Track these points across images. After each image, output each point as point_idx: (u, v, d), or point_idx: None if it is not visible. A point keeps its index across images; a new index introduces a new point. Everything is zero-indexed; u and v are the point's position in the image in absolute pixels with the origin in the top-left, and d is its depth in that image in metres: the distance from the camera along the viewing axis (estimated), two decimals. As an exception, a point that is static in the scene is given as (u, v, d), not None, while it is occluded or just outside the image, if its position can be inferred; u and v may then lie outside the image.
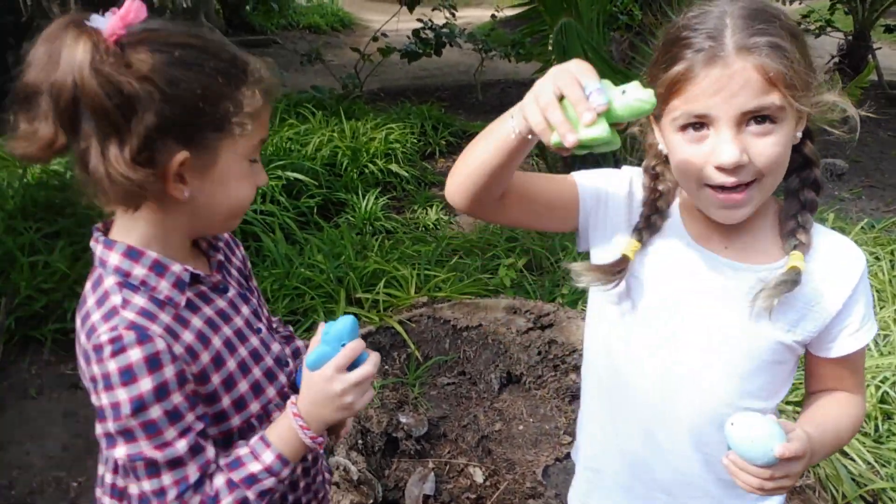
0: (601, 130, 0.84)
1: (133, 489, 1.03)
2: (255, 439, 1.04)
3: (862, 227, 3.89)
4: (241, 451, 1.03)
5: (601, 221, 1.17)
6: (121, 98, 0.86)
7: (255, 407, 1.09)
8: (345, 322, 1.04)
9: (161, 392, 0.93)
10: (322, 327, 1.07)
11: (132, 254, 0.97)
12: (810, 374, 1.18)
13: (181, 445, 0.96)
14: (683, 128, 1.01)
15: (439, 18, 7.21)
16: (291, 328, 1.34)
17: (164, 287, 0.98)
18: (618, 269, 1.11)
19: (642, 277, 1.14)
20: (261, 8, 10.28)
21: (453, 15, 7.46)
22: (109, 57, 0.86)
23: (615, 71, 3.25)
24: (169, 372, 0.94)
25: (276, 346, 1.16)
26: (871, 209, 4.87)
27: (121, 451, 0.95)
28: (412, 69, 8.28)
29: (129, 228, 0.99)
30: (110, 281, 0.97)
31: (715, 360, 1.11)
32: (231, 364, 1.05)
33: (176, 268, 0.99)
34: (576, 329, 2.76)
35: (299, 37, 10.79)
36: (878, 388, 2.71)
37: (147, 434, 0.94)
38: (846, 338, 1.10)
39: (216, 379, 1.03)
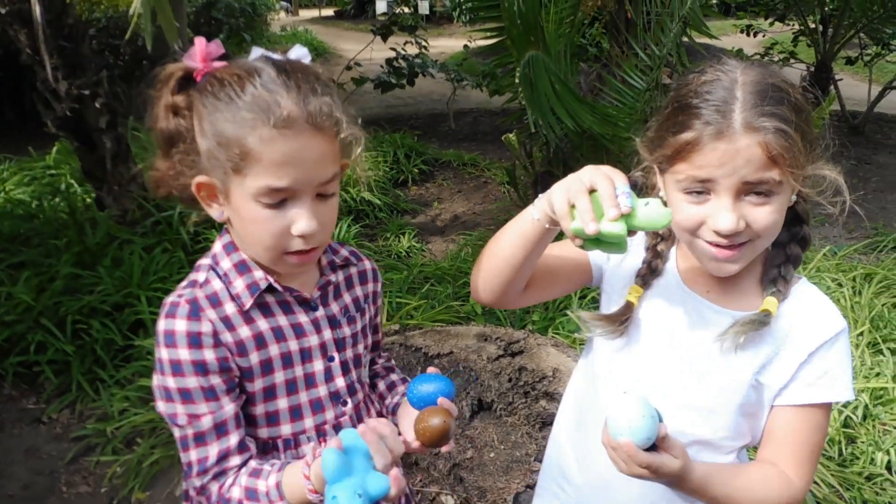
0: (620, 228, 0.93)
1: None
2: (272, 483, 1.04)
3: (824, 254, 3.99)
4: (261, 486, 1.05)
5: (613, 267, 1.24)
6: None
7: (286, 429, 1.12)
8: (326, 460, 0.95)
9: (199, 367, 1.02)
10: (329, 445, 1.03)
11: (229, 247, 1.11)
12: (764, 433, 1.15)
13: (206, 421, 1.04)
14: (686, 190, 1.05)
15: (412, 49, 7.31)
16: (393, 362, 1.41)
17: (238, 284, 1.07)
18: (624, 317, 1.17)
19: (637, 315, 1.19)
20: (234, 38, 10.32)
21: (425, 47, 7.55)
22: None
23: (582, 102, 3.31)
24: (209, 354, 1.03)
25: (340, 381, 1.16)
26: (833, 236, 4.98)
27: (160, 407, 1.05)
28: (385, 98, 8.35)
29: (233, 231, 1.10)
30: (206, 262, 1.11)
31: (687, 394, 1.14)
32: (278, 377, 1.10)
33: (257, 273, 1.08)
34: (545, 356, 2.78)
35: (273, 66, 10.81)
36: (840, 412, 2.76)
37: (183, 399, 1.04)
38: (800, 387, 1.10)
39: (258, 384, 1.09)
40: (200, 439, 1.05)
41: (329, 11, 20.41)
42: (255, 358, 1.07)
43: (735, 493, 1.09)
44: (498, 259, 1.13)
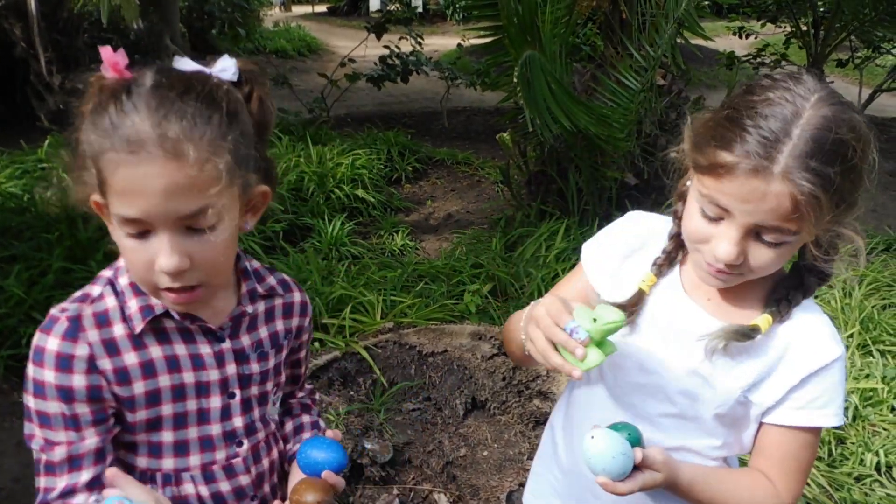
0: (595, 357, 0.97)
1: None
2: None
3: (815, 255, 4.01)
4: None
5: (615, 271, 1.23)
6: None
7: (168, 463, 1.03)
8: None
9: (63, 394, 0.93)
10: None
11: None
12: (756, 443, 1.16)
13: (59, 452, 0.95)
14: (704, 206, 1.03)
15: (406, 46, 7.30)
16: (316, 398, 1.32)
17: (132, 305, 0.98)
18: (635, 305, 1.15)
19: (646, 304, 1.17)
20: (228, 32, 10.28)
21: (420, 42, 7.55)
22: None
23: (578, 102, 3.32)
24: (79, 381, 0.94)
25: (238, 420, 1.08)
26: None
27: (25, 428, 0.97)
28: (379, 95, 8.34)
29: None
30: (107, 274, 1.01)
31: (675, 402, 1.14)
32: (166, 409, 1.01)
33: (154, 299, 0.98)
34: (540, 355, 2.78)
35: (266, 61, 10.80)
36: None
37: (41, 423, 0.95)
38: (789, 409, 1.10)
39: (142, 414, 0.99)
40: (50, 468, 0.96)
41: (322, 8, 20.35)
42: (139, 387, 0.98)
43: (720, 496, 1.10)
44: (514, 346, 1.18)
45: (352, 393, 2.74)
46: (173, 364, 1.00)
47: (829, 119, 0.94)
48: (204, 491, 1.05)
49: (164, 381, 1.00)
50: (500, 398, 2.74)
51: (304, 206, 4.66)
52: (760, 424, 1.14)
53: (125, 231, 0.89)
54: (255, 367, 1.09)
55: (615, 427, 1.05)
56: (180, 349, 1.01)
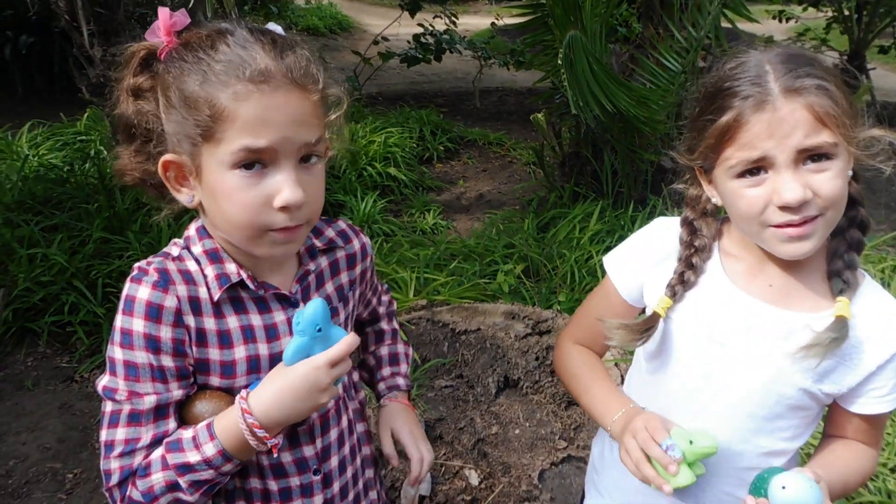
0: (686, 478, 1.03)
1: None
2: (202, 425, 0.95)
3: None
4: (186, 434, 0.95)
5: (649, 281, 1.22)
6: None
7: None
8: (315, 307, 0.93)
9: (151, 343, 0.93)
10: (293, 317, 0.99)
11: (202, 231, 1.02)
12: (831, 419, 1.18)
13: (149, 401, 0.94)
14: (741, 174, 1.02)
15: (439, 24, 7.25)
16: (393, 307, 1.36)
17: (209, 272, 0.99)
18: (647, 327, 1.14)
19: (676, 324, 1.16)
20: (259, 9, 10.28)
21: (454, 22, 7.49)
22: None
23: (618, 83, 3.28)
24: (166, 332, 0.94)
25: None
26: (862, 227, 4.92)
27: (103, 381, 0.95)
28: (410, 74, 8.30)
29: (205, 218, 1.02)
30: (178, 241, 1.02)
31: (738, 401, 1.12)
32: (240, 381, 1.00)
33: (230, 266, 0.99)
34: (573, 336, 2.78)
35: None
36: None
37: (126, 374, 0.93)
38: (873, 399, 1.09)
39: (214, 381, 0.99)
40: (135, 418, 0.94)
41: (353, -15, 20.24)
42: (214, 354, 0.98)
43: (845, 486, 1.14)
44: (575, 397, 1.30)
45: (385, 368, 2.75)
46: (248, 334, 1.00)
47: (782, 52, 1.02)
48: (264, 461, 1.05)
49: (240, 352, 0.99)
50: (532, 378, 2.74)
51: (336, 182, 4.67)
52: (833, 403, 1.13)
53: (241, 170, 0.89)
54: None
55: (770, 472, 1.05)
56: (255, 319, 1.01)
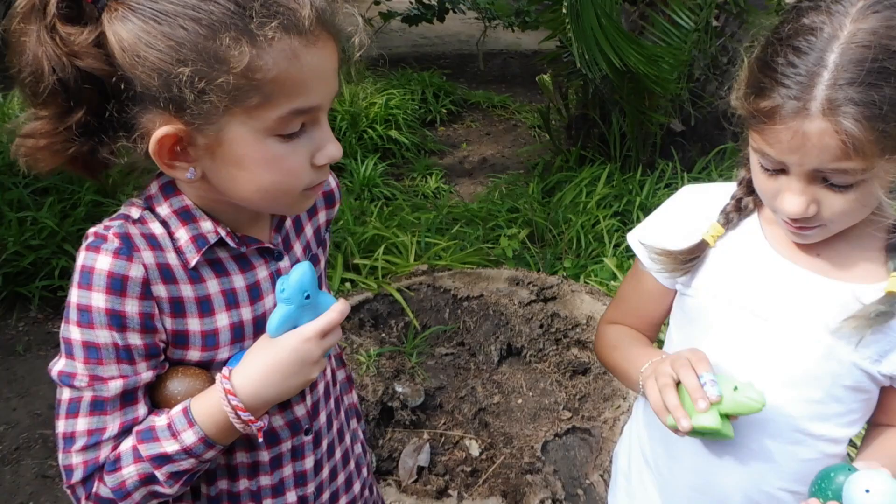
0: (712, 420, 0.90)
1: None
2: (177, 410, 0.85)
3: None
4: (159, 420, 0.85)
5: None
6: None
7: None
8: (301, 272, 0.85)
9: (115, 320, 0.81)
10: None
11: (168, 189, 0.88)
12: (880, 403, 1.06)
13: (114, 386, 0.82)
14: (760, 161, 0.93)
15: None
16: None
17: (181, 235, 0.86)
18: (692, 256, 1.04)
19: (710, 294, 1.05)
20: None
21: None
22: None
23: (629, 39, 3.15)
24: (132, 307, 0.81)
25: None
26: None
27: (58, 366, 0.84)
28: (412, 37, 8.12)
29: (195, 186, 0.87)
30: (138, 202, 0.88)
31: (789, 381, 1.01)
32: (222, 353, 0.90)
33: (205, 224, 0.87)
34: (579, 303, 2.70)
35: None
36: None
37: (87, 357, 0.82)
38: None
39: (194, 354, 0.88)
40: (99, 406, 0.83)
41: (356, -54, 19.86)
42: (195, 325, 0.87)
43: None
44: (615, 374, 1.22)
45: (383, 335, 2.68)
46: (231, 299, 0.89)
47: (875, 31, 0.80)
48: (266, 421, 0.93)
49: (223, 319, 0.89)
50: (536, 346, 2.66)
51: (336, 145, 4.56)
52: (889, 388, 1.02)
53: (283, 135, 0.79)
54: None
55: (837, 470, 0.92)
56: (238, 281, 0.90)
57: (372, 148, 4.67)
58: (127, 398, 0.84)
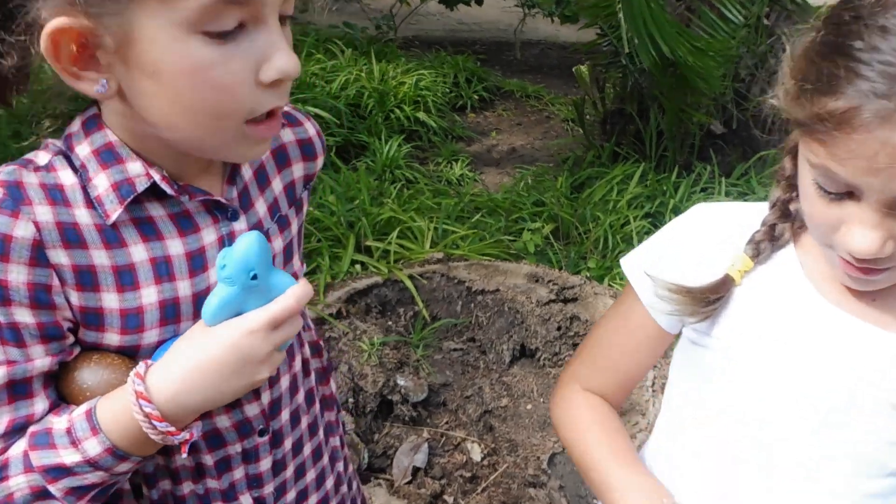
0: None
1: None
2: (79, 412, 0.68)
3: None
4: (58, 423, 0.68)
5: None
6: None
7: None
8: (247, 243, 0.67)
9: None
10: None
11: (90, 123, 0.70)
12: None
13: None
14: (819, 184, 0.71)
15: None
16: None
17: (100, 182, 0.68)
18: (716, 295, 0.82)
19: (740, 338, 0.84)
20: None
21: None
22: None
23: (678, 29, 2.97)
24: (18, 275, 0.64)
25: None
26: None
27: None
28: (449, 22, 7.99)
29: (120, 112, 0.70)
30: (55, 144, 0.71)
31: (836, 450, 0.81)
32: (149, 336, 0.72)
33: (133, 166, 0.69)
34: (602, 307, 2.54)
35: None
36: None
37: None
38: None
39: (112, 338, 0.71)
40: None
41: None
42: (111, 301, 0.69)
43: None
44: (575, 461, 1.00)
45: (389, 323, 2.55)
46: (163, 270, 0.71)
47: None
48: (196, 431, 0.75)
49: (150, 295, 0.71)
50: (552, 349, 2.52)
51: (361, 123, 4.43)
52: None
53: (211, 33, 0.61)
54: (276, 244, 0.81)
55: None
56: (175, 246, 0.72)
57: (398, 128, 4.53)
58: (17, 390, 0.67)
